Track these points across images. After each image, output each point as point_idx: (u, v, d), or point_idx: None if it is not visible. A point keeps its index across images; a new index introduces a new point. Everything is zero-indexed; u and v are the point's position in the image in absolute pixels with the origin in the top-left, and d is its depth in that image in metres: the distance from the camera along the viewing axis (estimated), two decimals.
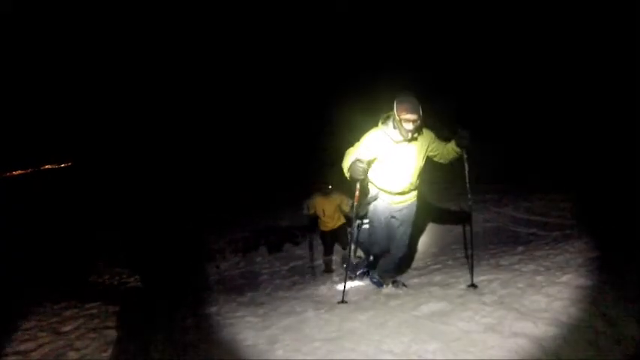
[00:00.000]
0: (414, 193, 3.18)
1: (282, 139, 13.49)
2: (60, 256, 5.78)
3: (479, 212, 5.59)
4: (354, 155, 2.91)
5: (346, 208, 4.82)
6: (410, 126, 2.76)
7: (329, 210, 4.85)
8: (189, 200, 9.08)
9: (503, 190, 6.24)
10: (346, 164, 2.92)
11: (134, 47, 16.40)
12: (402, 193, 3.08)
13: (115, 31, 16.19)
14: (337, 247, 5.07)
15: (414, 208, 3.22)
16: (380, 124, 2.96)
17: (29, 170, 16.95)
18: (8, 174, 16.14)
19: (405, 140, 2.86)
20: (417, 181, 3.10)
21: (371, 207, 3.23)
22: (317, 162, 8.36)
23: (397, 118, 2.77)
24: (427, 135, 2.99)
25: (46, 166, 17.40)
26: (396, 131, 2.85)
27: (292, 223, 6.40)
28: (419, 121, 2.77)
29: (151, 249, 5.87)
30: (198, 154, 13.95)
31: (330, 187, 4.80)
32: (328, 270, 4.86)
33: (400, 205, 3.14)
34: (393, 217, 3.21)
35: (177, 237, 6.46)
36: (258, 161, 12.08)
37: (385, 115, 2.93)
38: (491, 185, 6.68)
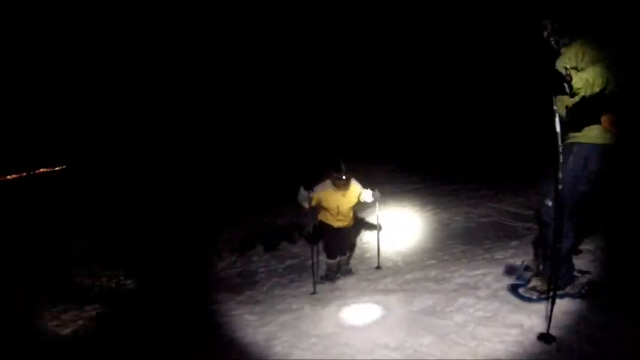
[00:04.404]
0: None
1: (278, 138, 13.48)
2: (59, 260, 5.75)
3: (474, 207, 5.63)
4: None
5: (368, 198, 3.94)
6: None
7: (344, 206, 3.93)
8: (185, 199, 9.04)
9: (499, 185, 6.28)
10: None
11: (133, 47, 16.24)
12: None
13: (113, 32, 16.04)
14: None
15: None
16: None
17: (24, 174, 16.80)
18: (1, 178, 15.99)
19: None
20: None
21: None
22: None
23: None
24: None
25: (41, 170, 17.26)
26: None
27: (289, 221, 6.39)
28: None
29: (148, 250, 5.85)
30: (195, 152, 13.89)
31: (344, 177, 3.67)
32: (331, 277, 4.12)
33: None
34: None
35: (174, 237, 6.44)
36: (255, 160, 12.05)
37: None
38: (487, 181, 6.72)
